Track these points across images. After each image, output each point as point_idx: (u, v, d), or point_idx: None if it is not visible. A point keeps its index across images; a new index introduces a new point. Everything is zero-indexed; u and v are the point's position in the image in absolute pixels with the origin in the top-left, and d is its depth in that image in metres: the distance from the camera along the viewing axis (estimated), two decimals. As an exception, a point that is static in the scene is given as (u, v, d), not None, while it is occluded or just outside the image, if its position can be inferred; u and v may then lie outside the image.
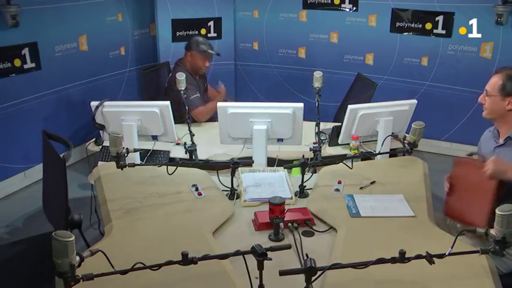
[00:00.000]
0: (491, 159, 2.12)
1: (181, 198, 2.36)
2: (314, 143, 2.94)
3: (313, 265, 1.46)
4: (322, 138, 3.05)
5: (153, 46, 5.18)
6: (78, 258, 1.45)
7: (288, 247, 1.65)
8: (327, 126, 3.29)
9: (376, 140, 2.91)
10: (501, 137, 2.31)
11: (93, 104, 2.88)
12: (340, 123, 3.01)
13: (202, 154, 2.85)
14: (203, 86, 3.96)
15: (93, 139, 3.13)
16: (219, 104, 2.79)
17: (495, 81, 2.27)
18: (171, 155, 2.98)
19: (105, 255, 1.54)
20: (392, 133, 2.76)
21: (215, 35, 5.27)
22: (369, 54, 5.05)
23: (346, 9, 5.01)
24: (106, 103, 2.86)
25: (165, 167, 2.38)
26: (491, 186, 2.12)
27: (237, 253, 1.58)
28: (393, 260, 1.56)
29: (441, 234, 2.07)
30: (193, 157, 2.79)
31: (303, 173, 2.46)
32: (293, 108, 2.71)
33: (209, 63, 3.90)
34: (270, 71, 5.54)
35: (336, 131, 3.04)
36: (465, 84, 4.65)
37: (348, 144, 3.01)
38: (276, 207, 2.01)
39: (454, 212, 2.29)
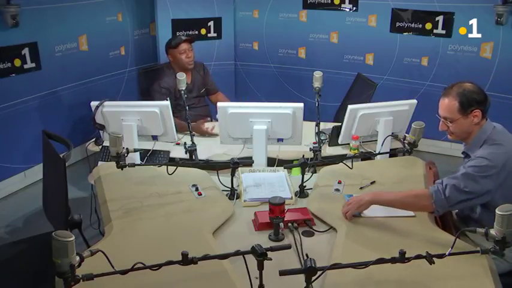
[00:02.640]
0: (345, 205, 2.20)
1: (181, 198, 2.36)
2: (314, 143, 2.94)
3: (313, 265, 1.46)
4: (322, 138, 3.05)
5: (153, 46, 5.18)
6: (78, 258, 1.46)
7: (288, 247, 1.65)
8: (327, 126, 3.29)
9: (376, 140, 2.91)
10: (463, 148, 2.29)
11: (93, 104, 2.88)
12: (340, 123, 3.00)
13: (202, 154, 2.85)
14: (197, 89, 3.85)
15: (93, 139, 3.13)
16: (219, 104, 2.79)
17: (451, 105, 2.15)
18: (171, 155, 2.98)
19: (105, 255, 1.54)
20: (392, 133, 2.76)
21: (215, 35, 5.27)
22: (368, 54, 5.05)
23: (346, 9, 5.00)
24: (106, 103, 2.86)
25: (165, 167, 2.38)
26: None
27: (237, 253, 1.58)
28: (393, 260, 1.56)
29: (441, 234, 2.07)
30: (193, 157, 2.79)
31: (303, 173, 2.46)
32: (293, 108, 2.71)
33: (190, 51, 3.73)
34: (270, 71, 5.54)
35: (336, 131, 3.04)
36: (465, 84, 4.65)
37: (348, 144, 3.01)
38: (276, 207, 2.01)
39: None
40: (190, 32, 5.04)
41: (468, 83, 2.20)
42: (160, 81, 3.66)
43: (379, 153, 2.72)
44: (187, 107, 3.02)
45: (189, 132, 2.89)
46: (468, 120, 2.16)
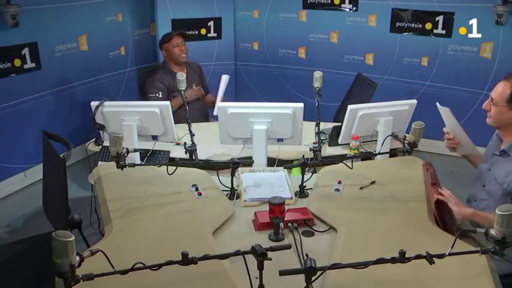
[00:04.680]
0: (454, 204, 2.17)
1: (181, 198, 2.36)
2: (314, 143, 2.94)
3: (313, 265, 1.46)
4: (322, 138, 3.04)
5: (153, 46, 5.18)
6: (78, 258, 1.45)
7: (288, 247, 1.65)
8: (327, 126, 3.28)
9: (376, 140, 2.91)
10: (502, 146, 2.28)
11: (93, 104, 2.88)
12: (340, 123, 3.00)
13: (202, 154, 2.85)
14: (197, 81, 3.98)
15: (93, 139, 3.13)
16: (219, 104, 2.79)
17: (503, 90, 2.16)
18: (171, 155, 2.98)
19: (105, 255, 1.54)
20: (392, 133, 2.76)
21: (215, 35, 5.27)
22: (368, 54, 5.05)
23: (346, 9, 5.01)
24: (106, 103, 2.86)
25: (165, 167, 2.38)
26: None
27: (237, 253, 1.58)
28: (393, 260, 1.56)
29: (441, 234, 2.07)
30: (193, 157, 2.79)
31: (303, 173, 2.46)
32: (293, 108, 2.71)
33: (183, 45, 3.93)
34: (270, 71, 5.54)
35: (336, 131, 3.04)
36: (465, 84, 4.65)
37: (348, 144, 3.01)
38: (276, 207, 2.01)
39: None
40: (190, 32, 5.04)
41: None
42: (156, 75, 3.86)
43: (379, 153, 2.72)
44: (187, 107, 3.02)
45: (189, 132, 2.90)
46: (510, 113, 2.16)
